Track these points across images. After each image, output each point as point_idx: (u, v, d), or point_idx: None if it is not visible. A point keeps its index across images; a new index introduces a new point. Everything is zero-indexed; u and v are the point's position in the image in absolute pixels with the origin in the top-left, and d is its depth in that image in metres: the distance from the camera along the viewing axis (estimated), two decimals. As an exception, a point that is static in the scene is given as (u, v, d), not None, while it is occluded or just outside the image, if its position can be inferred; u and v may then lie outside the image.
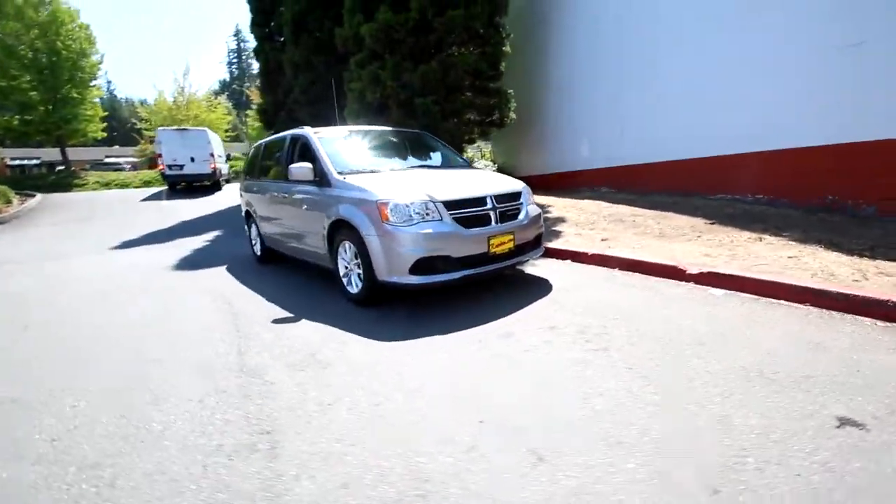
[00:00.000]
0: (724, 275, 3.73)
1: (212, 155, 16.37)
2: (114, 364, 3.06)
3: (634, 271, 4.40)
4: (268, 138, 6.00)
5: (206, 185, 17.30)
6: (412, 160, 4.86)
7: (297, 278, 5.27)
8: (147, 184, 21.86)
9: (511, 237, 3.88)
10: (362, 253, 3.77)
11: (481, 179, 4.32)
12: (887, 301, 2.84)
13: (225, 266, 6.20)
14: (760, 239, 4.80)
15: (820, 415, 1.95)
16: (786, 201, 5.53)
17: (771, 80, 5.72)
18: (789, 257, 4.11)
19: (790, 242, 4.55)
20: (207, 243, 8.45)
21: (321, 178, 4.28)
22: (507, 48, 10.23)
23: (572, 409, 2.15)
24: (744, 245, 4.69)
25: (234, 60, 66.34)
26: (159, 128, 17.19)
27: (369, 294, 3.85)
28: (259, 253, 6.31)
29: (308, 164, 4.31)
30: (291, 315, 3.85)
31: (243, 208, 6.71)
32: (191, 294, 4.82)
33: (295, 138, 5.04)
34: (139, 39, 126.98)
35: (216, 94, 36.26)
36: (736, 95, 6.16)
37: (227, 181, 19.28)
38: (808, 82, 5.30)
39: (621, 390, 2.27)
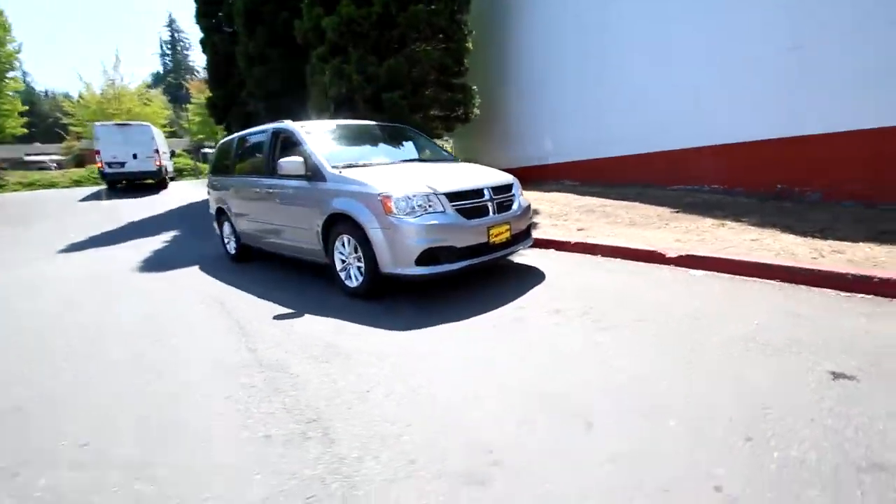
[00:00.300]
0: (700, 257, 4.07)
1: (157, 151, 15.44)
2: (115, 369, 2.93)
3: (617, 257, 4.68)
4: (242, 132, 5.81)
5: (149, 183, 16.30)
6: (399, 153, 4.90)
7: (278, 274, 5.17)
8: (77, 183, 20.28)
9: (508, 227, 4.03)
10: (364, 246, 3.78)
11: (473, 172, 4.43)
12: (846, 274, 3.24)
13: (197, 266, 5.96)
14: (723, 225, 5.24)
15: (815, 371, 2.23)
16: (740, 190, 6.06)
17: (721, 80, 6.23)
18: (752, 240, 4.53)
19: (750, 227, 5.01)
20: (168, 243, 8.03)
21: (313, 173, 4.24)
22: (469, 45, 10.40)
23: (602, 380, 2.32)
24: (709, 230, 5.11)
25: (168, 52, 62.39)
26: (96, 123, 15.95)
27: (371, 287, 3.87)
28: (233, 251, 6.11)
29: (299, 159, 4.25)
30: (292, 311, 3.81)
31: (213, 206, 6.45)
32: (174, 295, 4.62)
33: (277, 132, 4.94)
34: (57, 27, 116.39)
35: (150, 86, 34.02)
36: (691, 94, 6.65)
37: (173, 178, 18.22)
38: (755, 81, 5.83)
39: (639, 363, 2.48)
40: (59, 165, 30.04)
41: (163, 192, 15.44)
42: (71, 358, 3.15)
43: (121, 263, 6.36)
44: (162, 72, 58.14)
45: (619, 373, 2.39)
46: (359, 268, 3.97)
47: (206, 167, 30.64)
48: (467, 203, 3.82)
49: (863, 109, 4.84)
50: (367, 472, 1.78)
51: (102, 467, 1.92)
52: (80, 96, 30.24)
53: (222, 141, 6.36)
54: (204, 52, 14.53)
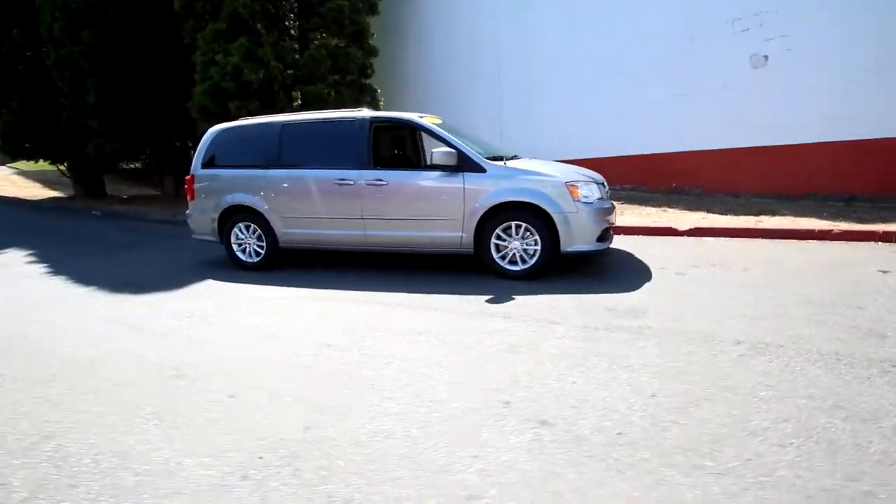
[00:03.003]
0: (704, 228, 5.93)
1: None
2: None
3: (637, 234, 6.20)
4: (287, 118, 4.96)
5: None
6: (498, 149, 5.18)
7: (348, 271, 4.87)
8: None
9: (614, 213, 5.05)
10: (542, 229, 4.21)
11: (571, 166, 5.22)
12: (814, 230, 5.51)
13: (210, 279, 4.86)
14: (665, 210, 7.39)
15: (869, 272, 4.10)
16: (644, 188, 8.49)
17: (624, 113, 8.59)
18: (702, 217, 6.71)
19: (685, 211, 7.25)
20: (59, 262, 5.84)
21: (463, 164, 4.33)
22: (375, 46, 10.58)
23: (814, 294, 3.66)
24: (660, 214, 7.16)
25: None
26: None
27: (544, 266, 4.32)
28: (255, 259, 5.17)
29: (452, 150, 4.28)
30: (490, 295, 3.93)
31: (212, 209, 5.20)
32: (284, 308, 3.92)
33: (374, 121, 4.66)
34: None
35: None
36: (600, 120, 8.85)
37: None
38: (651, 116, 8.32)
39: (812, 283, 3.92)
40: None
41: None
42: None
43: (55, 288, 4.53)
44: None
45: (820, 291, 3.79)
46: (525, 251, 4.33)
47: None
48: (607, 191, 4.69)
49: (723, 136, 7.72)
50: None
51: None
52: None
53: (235, 127, 5.14)
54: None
